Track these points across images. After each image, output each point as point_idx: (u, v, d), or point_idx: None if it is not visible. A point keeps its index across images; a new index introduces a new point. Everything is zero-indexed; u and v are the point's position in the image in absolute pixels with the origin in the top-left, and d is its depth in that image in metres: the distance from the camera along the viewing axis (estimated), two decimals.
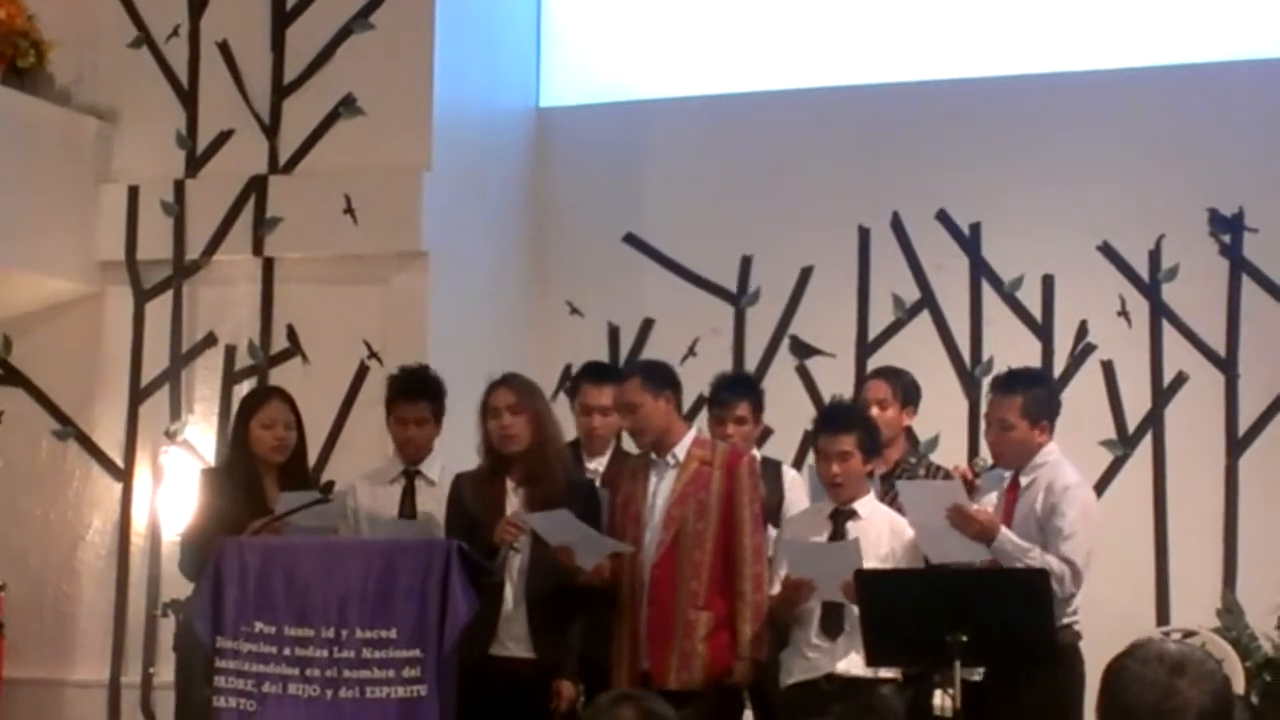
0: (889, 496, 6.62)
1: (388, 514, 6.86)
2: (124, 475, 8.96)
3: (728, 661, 6.28)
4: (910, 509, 6.29)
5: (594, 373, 7.12)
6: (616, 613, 6.34)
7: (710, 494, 6.34)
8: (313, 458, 8.08)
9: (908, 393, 7.12)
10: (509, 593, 6.31)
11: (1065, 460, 6.47)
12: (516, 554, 6.28)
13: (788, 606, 6.29)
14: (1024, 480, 6.39)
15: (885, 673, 6.18)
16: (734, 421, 6.84)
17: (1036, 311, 8.72)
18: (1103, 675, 3.13)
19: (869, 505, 6.37)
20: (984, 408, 6.85)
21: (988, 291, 8.80)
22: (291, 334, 8.83)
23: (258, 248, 8.83)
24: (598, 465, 6.93)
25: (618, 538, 6.35)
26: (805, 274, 9.01)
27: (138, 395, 8.98)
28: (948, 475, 6.74)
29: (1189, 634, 7.50)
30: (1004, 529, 6.21)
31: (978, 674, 6.08)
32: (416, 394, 6.95)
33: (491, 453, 6.47)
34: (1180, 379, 8.51)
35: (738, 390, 6.99)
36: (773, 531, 6.68)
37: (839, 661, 6.19)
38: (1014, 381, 6.54)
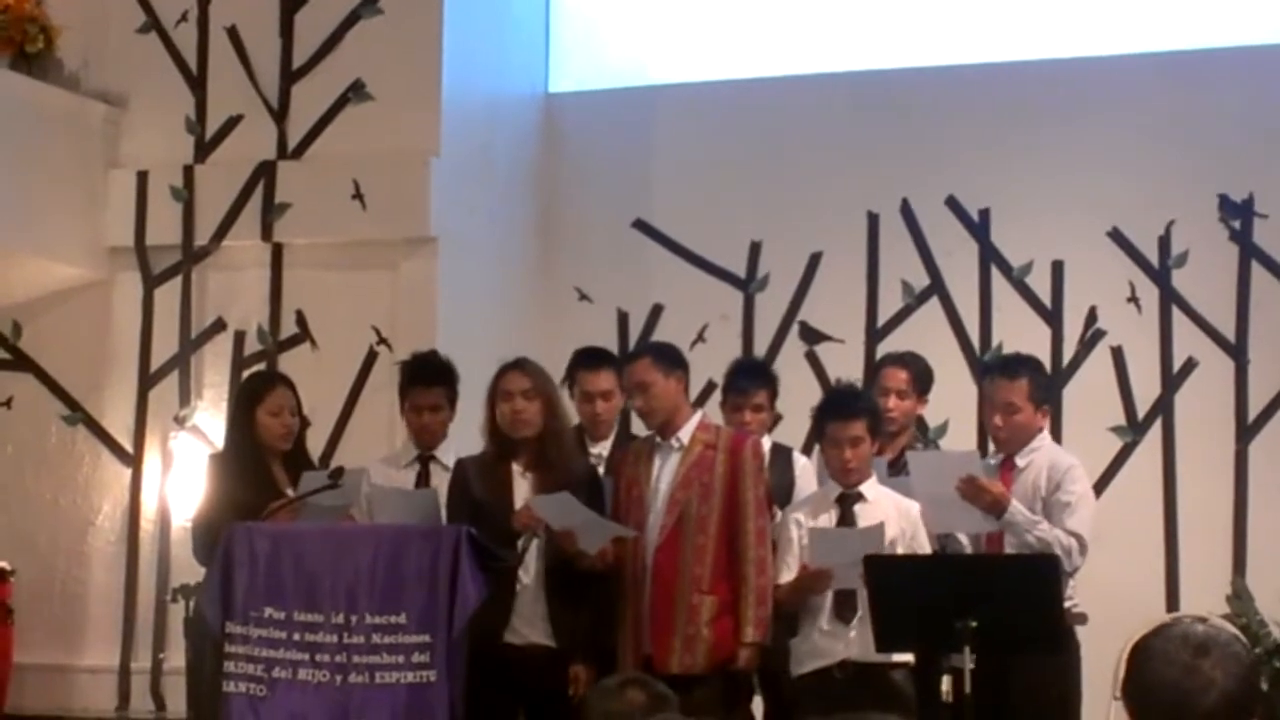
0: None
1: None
2: (133, 460, 8.97)
3: (732, 646, 6.24)
4: (919, 479, 6.28)
5: (590, 359, 7.07)
6: (620, 597, 6.32)
7: (714, 477, 6.30)
8: (322, 443, 8.12)
9: (922, 380, 7.12)
10: (526, 578, 6.28)
11: (1055, 445, 6.58)
12: (537, 539, 6.26)
13: (801, 595, 6.27)
14: (1020, 462, 6.46)
15: (899, 658, 6.16)
16: (752, 409, 6.83)
17: (1046, 297, 8.71)
18: (1128, 653, 3.11)
19: (874, 488, 6.34)
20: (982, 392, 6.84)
21: (997, 277, 8.78)
22: (300, 320, 8.83)
23: (266, 233, 8.84)
24: (602, 450, 6.89)
25: (621, 521, 6.32)
26: (814, 260, 9.00)
27: (147, 381, 8.99)
28: None
29: (1199, 620, 7.48)
30: (1015, 502, 6.23)
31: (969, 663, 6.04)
32: (430, 380, 6.92)
33: (497, 437, 6.42)
34: (1190, 365, 8.51)
35: (757, 378, 6.97)
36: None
37: (853, 647, 6.16)
38: (1017, 365, 6.63)
